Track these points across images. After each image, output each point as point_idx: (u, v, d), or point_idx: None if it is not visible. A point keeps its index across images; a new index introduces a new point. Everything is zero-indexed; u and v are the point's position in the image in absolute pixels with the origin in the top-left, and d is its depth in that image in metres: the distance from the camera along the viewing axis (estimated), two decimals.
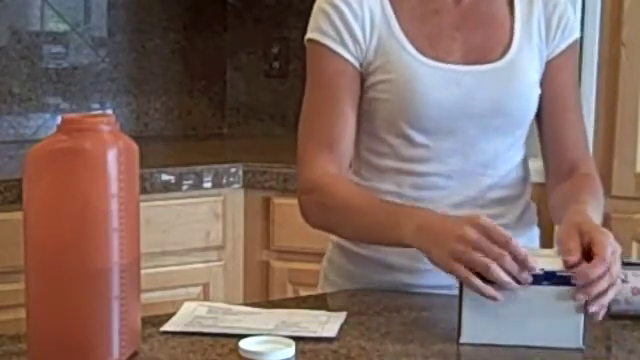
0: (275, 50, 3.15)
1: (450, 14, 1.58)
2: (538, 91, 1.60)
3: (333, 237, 1.68)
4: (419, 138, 1.55)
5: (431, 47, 1.55)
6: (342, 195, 1.51)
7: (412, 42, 1.54)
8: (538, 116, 1.63)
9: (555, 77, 1.61)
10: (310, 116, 1.58)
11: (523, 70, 1.58)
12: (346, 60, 1.54)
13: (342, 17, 1.54)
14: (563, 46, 1.61)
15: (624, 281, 1.37)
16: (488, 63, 1.56)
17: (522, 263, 1.27)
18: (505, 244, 1.27)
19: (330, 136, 1.55)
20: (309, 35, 1.58)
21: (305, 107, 1.59)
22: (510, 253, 1.26)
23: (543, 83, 1.61)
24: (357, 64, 1.55)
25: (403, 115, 1.54)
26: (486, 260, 1.26)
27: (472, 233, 1.28)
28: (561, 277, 1.27)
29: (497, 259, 1.26)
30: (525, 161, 1.66)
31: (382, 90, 1.55)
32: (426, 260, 1.36)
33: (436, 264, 1.33)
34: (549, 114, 1.62)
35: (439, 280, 1.41)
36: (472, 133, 1.55)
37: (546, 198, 1.64)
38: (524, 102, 1.58)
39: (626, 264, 1.37)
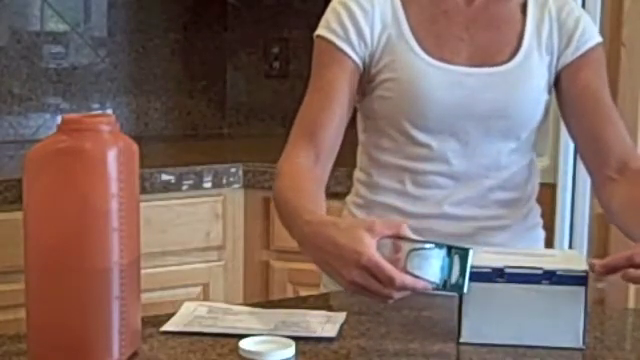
0: (275, 50, 3.15)
1: (460, 15, 1.58)
2: (546, 96, 1.60)
3: None
4: (421, 137, 1.56)
5: (438, 48, 1.56)
6: (285, 185, 1.49)
7: (419, 42, 1.55)
8: (569, 120, 1.62)
9: (577, 77, 1.59)
10: (303, 106, 1.59)
11: (530, 74, 1.57)
12: (348, 56, 1.56)
13: (351, 16, 1.56)
14: (582, 50, 1.59)
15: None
16: (494, 65, 1.56)
17: (413, 290, 1.24)
18: (391, 283, 1.22)
19: (313, 124, 1.55)
20: (317, 31, 1.59)
21: (304, 98, 1.60)
22: (398, 287, 1.23)
23: (564, 87, 1.60)
24: (359, 62, 1.56)
25: (406, 114, 1.55)
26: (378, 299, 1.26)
27: (360, 279, 1.24)
28: (561, 277, 1.27)
29: (387, 298, 1.25)
30: (532, 164, 1.65)
31: (387, 88, 1.56)
32: None
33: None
34: (581, 114, 1.60)
35: None
36: (475, 135, 1.56)
37: (598, 198, 1.61)
38: (528, 106, 1.58)
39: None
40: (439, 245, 1.26)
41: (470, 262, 1.25)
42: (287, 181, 1.50)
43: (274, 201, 1.52)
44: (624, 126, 1.61)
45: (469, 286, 1.26)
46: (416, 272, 1.24)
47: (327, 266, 1.29)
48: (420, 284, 1.24)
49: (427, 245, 1.25)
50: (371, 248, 1.23)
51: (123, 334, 1.18)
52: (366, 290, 1.24)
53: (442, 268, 1.25)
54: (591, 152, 1.61)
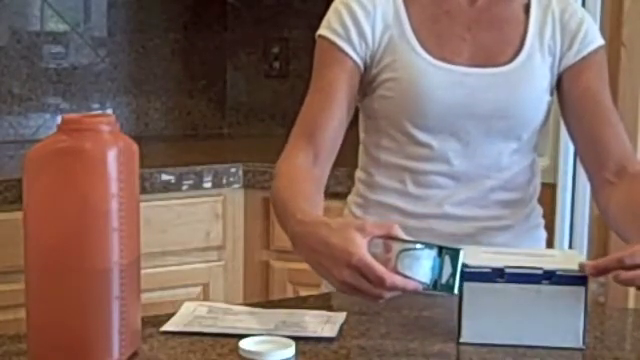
0: (275, 50, 3.15)
1: (463, 15, 1.58)
2: (547, 97, 1.59)
3: None
4: (422, 137, 1.56)
5: (439, 47, 1.56)
6: (282, 185, 1.50)
7: (421, 42, 1.55)
8: (569, 122, 1.61)
9: (578, 79, 1.59)
10: (304, 106, 1.59)
11: (532, 75, 1.57)
12: (349, 57, 1.56)
13: (353, 16, 1.56)
14: (584, 53, 1.59)
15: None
16: (496, 66, 1.56)
17: (403, 290, 1.24)
18: (381, 283, 1.22)
19: (312, 125, 1.55)
20: (318, 31, 1.60)
21: (306, 98, 1.60)
22: (388, 288, 1.23)
23: (565, 89, 1.60)
24: (360, 62, 1.56)
25: (406, 113, 1.56)
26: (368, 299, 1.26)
27: (351, 279, 1.23)
28: (561, 277, 1.27)
29: (378, 297, 1.25)
30: (534, 165, 1.65)
31: (388, 88, 1.56)
32: None
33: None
34: (581, 116, 1.59)
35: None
36: (475, 135, 1.56)
37: (596, 201, 1.61)
38: (530, 106, 1.58)
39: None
40: (429, 245, 1.26)
41: (461, 263, 1.25)
42: (284, 181, 1.50)
43: (271, 201, 1.52)
44: (624, 130, 1.60)
45: (463, 286, 1.27)
46: (407, 272, 1.24)
47: (319, 266, 1.29)
48: (410, 284, 1.23)
49: (418, 245, 1.25)
50: (362, 248, 1.23)
51: (123, 334, 1.18)
52: (357, 290, 1.24)
53: (433, 268, 1.25)
54: (590, 155, 1.61)
